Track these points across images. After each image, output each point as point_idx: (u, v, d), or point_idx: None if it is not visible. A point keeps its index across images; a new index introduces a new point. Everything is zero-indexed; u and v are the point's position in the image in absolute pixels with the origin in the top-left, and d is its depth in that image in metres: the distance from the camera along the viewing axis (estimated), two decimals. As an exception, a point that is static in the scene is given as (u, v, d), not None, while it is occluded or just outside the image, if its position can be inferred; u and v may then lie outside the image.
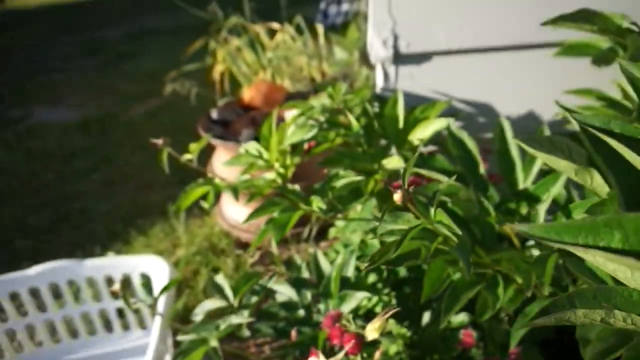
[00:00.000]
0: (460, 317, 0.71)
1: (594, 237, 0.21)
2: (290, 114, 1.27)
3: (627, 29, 0.57)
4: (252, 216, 0.78)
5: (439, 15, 0.88)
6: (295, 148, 0.86)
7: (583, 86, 0.87)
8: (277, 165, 0.83)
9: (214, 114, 1.49)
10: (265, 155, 0.81)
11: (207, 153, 1.27)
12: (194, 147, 0.90)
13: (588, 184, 0.41)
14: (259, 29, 1.93)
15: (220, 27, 2.02)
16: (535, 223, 0.43)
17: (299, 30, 2.00)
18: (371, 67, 1.03)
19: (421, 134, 0.74)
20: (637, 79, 0.38)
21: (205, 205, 0.80)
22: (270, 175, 0.86)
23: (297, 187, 0.79)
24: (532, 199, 0.61)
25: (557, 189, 0.59)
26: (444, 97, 0.96)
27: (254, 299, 0.86)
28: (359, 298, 0.70)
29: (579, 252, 0.20)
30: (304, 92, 1.64)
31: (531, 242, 0.62)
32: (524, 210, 0.61)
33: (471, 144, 0.64)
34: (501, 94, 0.95)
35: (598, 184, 0.40)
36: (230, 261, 1.33)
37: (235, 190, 0.79)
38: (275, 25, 1.97)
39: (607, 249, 0.21)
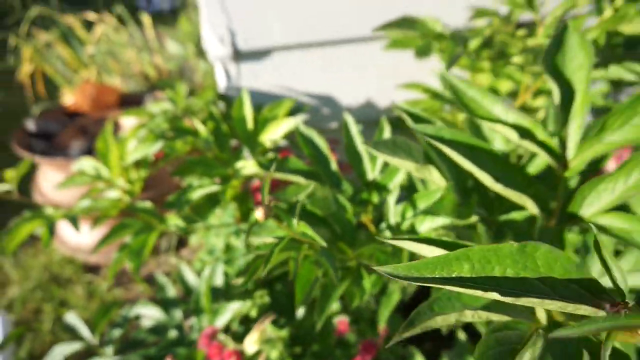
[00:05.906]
0: (333, 307, 0.75)
1: (447, 270, 0.23)
2: (128, 122, 1.15)
3: (441, 33, 0.66)
4: (101, 244, 0.70)
5: (273, 10, 0.88)
6: (140, 162, 0.79)
7: (410, 74, 0.99)
8: (121, 181, 0.75)
9: (31, 125, 1.28)
10: (105, 172, 0.73)
11: (27, 171, 1.09)
12: (12, 173, 0.77)
13: (427, 178, 0.46)
14: (72, 20, 1.70)
15: (18, 18, 1.72)
16: (400, 260, 0.47)
17: (121, 20, 1.82)
18: (210, 61, 0.99)
19: (272, 135, 0.74)
20: (454, 85, 0.43)
21: (43, 243, 0.69)
22: (114, 193, 0.78)
23: (148, 204, 0.73)
24: (381, 188, 0.66)
25: (400, 178, 0.65)
26: (289, 92, 0.98)
27: (117, 332, 0.78)
28: (233, 310, 0.69)
29: (438, 284, 0.23)
30: (138, 93, 1.50)
31: (384, 225, 0.68)
32: (375, 199, 0.66)
33: (321, 142, 0.67)
34: (341, 85, 1.00)
35: (436, 177, 0.45)
36: (80, 289, 1.18)
37: (74, 220, 0.70)
38: (91, 15, 1.76)
39: (459, 279, 0.23)
